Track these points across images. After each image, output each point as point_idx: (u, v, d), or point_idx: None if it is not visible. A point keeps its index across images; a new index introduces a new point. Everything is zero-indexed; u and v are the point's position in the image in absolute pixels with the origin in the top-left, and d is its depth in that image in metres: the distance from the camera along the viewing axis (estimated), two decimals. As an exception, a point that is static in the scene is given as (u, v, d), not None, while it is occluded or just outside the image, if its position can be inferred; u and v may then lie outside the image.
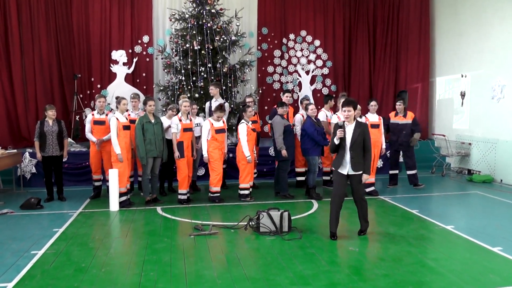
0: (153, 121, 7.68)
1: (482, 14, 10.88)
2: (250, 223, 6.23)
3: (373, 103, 8.58)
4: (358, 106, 7.10)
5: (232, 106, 10.50)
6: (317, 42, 13.34)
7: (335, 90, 13.23)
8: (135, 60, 12.07)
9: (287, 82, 13.16)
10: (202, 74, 10.37)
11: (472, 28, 11.25)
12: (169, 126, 7.94)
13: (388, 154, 9.92)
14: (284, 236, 5.92)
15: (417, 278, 4.56)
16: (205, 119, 8.22)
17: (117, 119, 7.46)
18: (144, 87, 12.15)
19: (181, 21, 10.73)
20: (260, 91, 12.46)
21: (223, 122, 7.99)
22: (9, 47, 10.83)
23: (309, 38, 13.32)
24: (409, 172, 9.35)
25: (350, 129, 5.80)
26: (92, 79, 11.92)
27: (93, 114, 8.20)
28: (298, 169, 9.24)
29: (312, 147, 8.09)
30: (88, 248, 5.54)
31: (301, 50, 13.29)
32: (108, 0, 11.86)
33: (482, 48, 10.88)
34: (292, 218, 6.25)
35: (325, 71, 13.40)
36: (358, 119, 8.68)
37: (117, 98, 7.82)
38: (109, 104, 10.84)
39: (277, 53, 13.10)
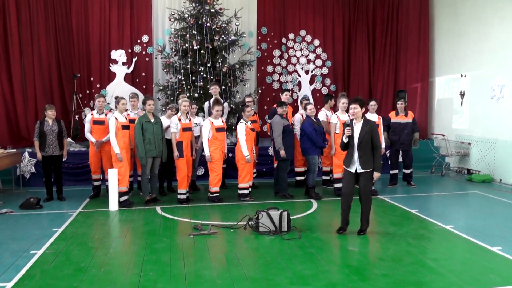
0: (152, 120, 7.68)
1: (481, 14, 10.88)
2: (250, 222, 6.23)
3: (372, 103, 8.59)
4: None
5: (231, 106, 10.50)
6: (317, 42, 13.34)
7: (334, 90, 13.23)
8: (134, 59, 12.06)
9: (287, 81, 13.16)
10: (202, 73, 10.37)
11: (471, 28, 11.25)
12: (169, 126, 7.93)
13: (388, 154, 9.91)
14: (283, 236, 5.91)
15: (416, 278, 4.56)
16: (205, 119, 8.21)
17: (116, 118, 7.46)
18: (144, 86, 12.15)
19: (180, 21, 10.72)
20: (260, 91, 12.44)
21: (223, 121, 7.99)
22: (8, 47, 10.82)
23: (308, 38, 13.32)
24: (405, 171, 9.39)
25: (358, 127, 5.85)
26: (92, 78, 11.91)
27: (92, 114, 8.19)
28: (298, 169, 9.24)
29: (311, 147, 8.08)
30: (88, 248, 5.53)
31: (301, 49, 13.29)
32: (107, 0, 11.85)
33: (482, 48, 10.88)
34: (291, 217, 6.25)
35: (325, 70, 13.40)
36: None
37: (116, 98, 7.82)
38: (108, 103, 10.84)
39: (276, 52, 13.10)
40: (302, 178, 9.18)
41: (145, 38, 12.19)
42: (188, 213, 7.23)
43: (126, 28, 12.05)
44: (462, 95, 11.59)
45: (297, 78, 13.28)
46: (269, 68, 13.07)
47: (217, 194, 7.95)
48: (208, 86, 9.59)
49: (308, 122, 8.12)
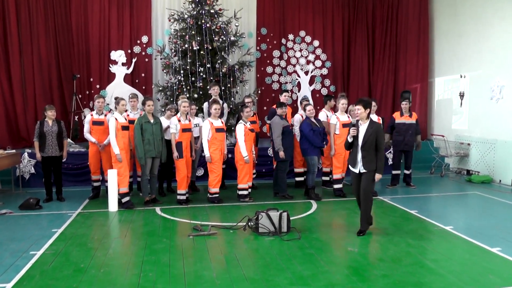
0: (152, 121, 7.67)
1: (481, 14, 10.89)
2: (249, 223, 6.23)
3: (372, 103, 8.58)
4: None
5: (231, 106, 10.50)
6: (316, 43, 13.35)
7: (334, 91, 13.24)
8: (134, 60, 12.07)
9: (286, 82, 13.17)
10: (201, 74, 10.37)
11: (471, 28, 11.26)
12: (168, 127, 7.93)
13: (391, 154, 9.91)
14: (283, 237, 5.91)
15: (416, 279, 4.56)
16: (204, 120, 8.21)
17: (116, 119, 7.45)
18: (143, 87, 12.15)
19: (180, 22, 10.72)
20: (259, 92, 12.46)
21: (222, 122, 7.99)
22: (8, 47, 10.82)
23: (308, 39, 13.33)
24: (406, 172, 9.41)
25: (363, 128, 5.90)
26: (91, 79, 11.92)
27: (92, 115, 8.19)
28: (297, 170, 9.24)
29: (310, 148, 8.08)
30: (87, 249, 5.53)
31: (300, 50, 13.31)
32: (107, 0, 11.86)
33: (481, 48, 10.89)
34: (291, 218, 6.25)
35: (324, 71, 13.41)
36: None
37: (116, 98, 7.82)
38: (108, 104, 10.83)
39: (276, 53, 13.11)
40: (301, 178, 9.19)
41: (144, 39, 12.19)
42: (188, 214, 7.22)
43: (126, 28, 12.06)
44: (461, 95, 11.59)
45: (297, 79, 13.29)
46: (269, 69, 13.08)
47: (217, 195, 7.94)
48: (208, 87, 9.59)
49: (306, 123, 8.12)
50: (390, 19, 13.35)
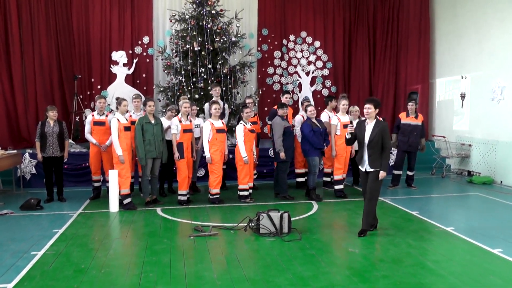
0: (153, 121, 7.67)
1: (482, 15, 10.88)
2: (250, 224, 6.23)
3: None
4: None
5: (232, 107, 10.50)
6: (317, 43, 13.35)
7: (335, 91, 13.24)
8: (135, 61, 12.08)
9: (287, 83, 13.17)
10: (202, 75, 10.37)
11: (472, 29, 11.25)
12: (169, 127, 7.94)
13: (393, 156, 9.90)
14: (284, 237, 5.91)
15: (417, 280, 4.55)
16: (205, 120, 8.21)
17: (118, 120, 7.44)
18: (144, 88, 12.16)
19: (181, 22, 10.73)
20: (260, 92, 12.47)
21: (223, 123, 7.99)
22: (9, 48, 10.83)
23: (309, 39, 13.33)
24: (409, 173, 9.39)
25: (370, 127, 5.94)
26: (92, 79, 11.93)
27: (93, 115, 8.18)
28: (298, 170, 9.24)
29: (311, 148, 8.08)
30: (88, 249, 5.53)
31: (301, 51, 13.31)
32: (108, 1, 11.88)
33: (482, 49, 10.88)
34: (292, 219, 6.24)
35: (325, 72, 13.41)
36: (358, 120, 8.75)
37: (117, 99, 7.81)
38: (109, 105, 10.84)
39: (277, 54, 13.12)
40: (302, 179, 9.18)
41: (145, 39, 12.20)
42: (189, 215, 7.22)
43: (127, 29, 12.08)
44: (462, 96, 11.59)
45: (298, 80, 13.29)
46: (270, 70, 13.08)
47: (218, 196, 7.94)
48: (209, 88, 9.59)
49: (306, 123, 8.12)
50: (391, 20, 13.34)
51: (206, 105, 9.26)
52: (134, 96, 8.59)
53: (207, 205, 7.84)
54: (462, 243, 5.79)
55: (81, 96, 11.63)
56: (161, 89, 11.00)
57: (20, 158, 9.14)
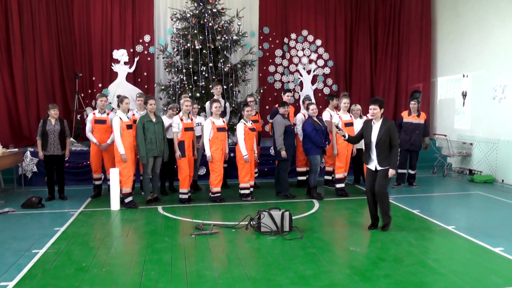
0: (154, 120, 7.67)
1: (483, 15, 10.85)
2: (251, 222, 6.23)
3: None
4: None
5: (233, 105, 10.50)
6: (319, 42, 13.33)
7: (336, 90, 13.22)
8: (136, 59, 12.06)
9: (289, 81, 13.15)
10: (204, 73, 10.37)
11: (473, 28, 11.22)
12: (170, 125, 7.94)
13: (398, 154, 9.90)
14: (285, 236, 5.91)
15: (418, 279, 4.55)
16: (206, 119, 8.22)
17: (120, 118, 7.44)
18: (145, 86, 12.15)
19: (182, 21, 10.72)
20: (261, 91, 12.45)
21: (224, 121, 7.99)
22: (10, 46, 10.82)
23: (310, 38, 13.31)
24: (410, 172, 9.39)
25: (376, 127, 5.98)
26: (93, 78, 11.92)
27: (94, 113, 8.19)
28: (300, 169, 9.23)
29: (312, 147, 8.08)
30: (89, 248, 5.54)
31: (303, 49, 13.29)
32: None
33: (483, 48, 10.86)
34: (293, 218, 6.25)
35: (327, 70, 13.39)
36: (359, 118, 8.76)
37: (118, 97, 7.81)
38: (110, 103, 10.83)
39: (278, 52, 13.09)
40: (304, 178, 9.18)
41: (147, 38, 12.19)
42: (190, 213, 7.23)
43: (128, 27, 12.06)
44: (464, 95, 11.57)
45: (299, 78, 13.27)
46: (271, 68, 13.07)
47: (219, 194, 7.95)
48: (210, 86, 9.59)
49: (308, 122, 8.12)
50: (393, 19, 13.31)
51: (207, 104, 9.26)
52: (137, 95, 8.60)
53: (208, 204, 7.85)
54: (463, 242, 5.78)
55: (82, 95, 11.64)
56: (162, 87, 11.00)
57: (22, 157, 9.15)
